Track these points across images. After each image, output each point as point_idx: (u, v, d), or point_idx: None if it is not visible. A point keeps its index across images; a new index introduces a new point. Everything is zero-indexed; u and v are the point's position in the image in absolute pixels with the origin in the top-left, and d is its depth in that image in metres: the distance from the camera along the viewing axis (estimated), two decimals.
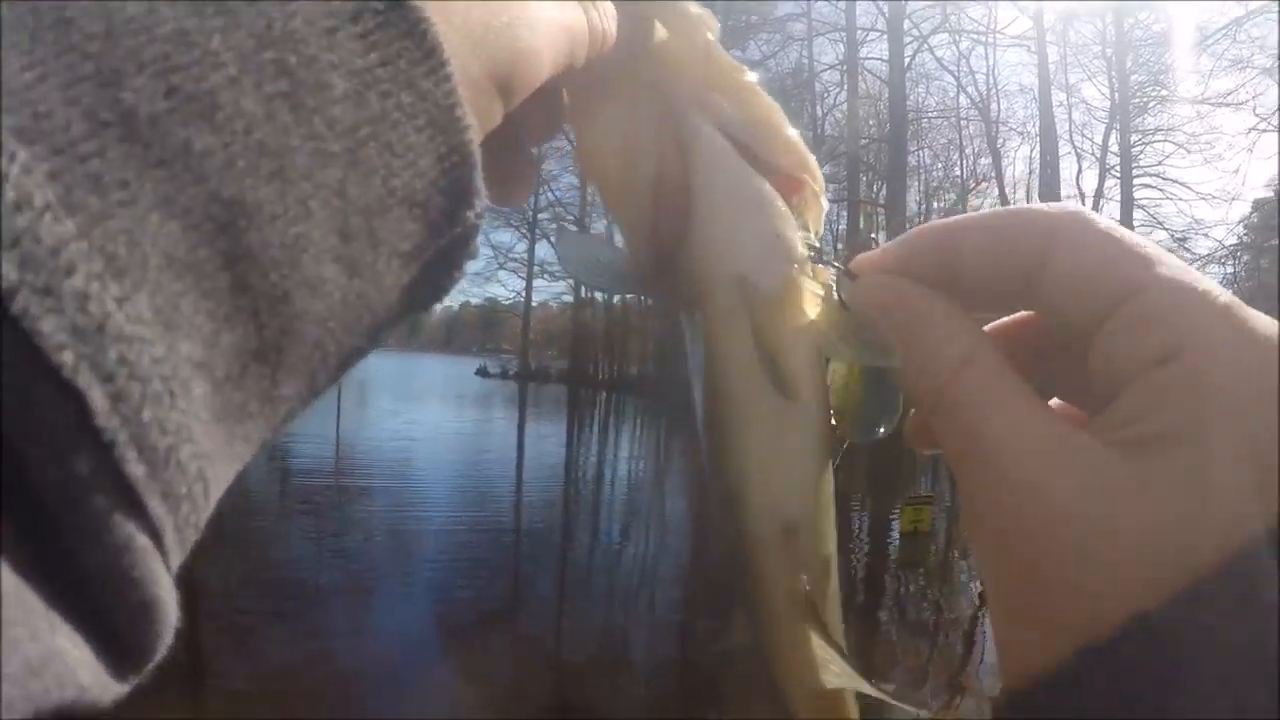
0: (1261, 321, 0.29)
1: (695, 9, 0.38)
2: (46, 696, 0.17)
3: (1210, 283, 0.30)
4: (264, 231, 0.21)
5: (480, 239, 0.27)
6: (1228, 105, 23.20)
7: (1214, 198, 24.28)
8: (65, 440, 0.17)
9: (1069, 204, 0.34)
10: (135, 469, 0.18)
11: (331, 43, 0.22)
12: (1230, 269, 21.31)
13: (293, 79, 0.22)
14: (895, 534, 11.30)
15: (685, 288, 0.37)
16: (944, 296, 0.35)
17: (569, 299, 52.19)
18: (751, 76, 0.39)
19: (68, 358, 0.16)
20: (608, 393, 43.97)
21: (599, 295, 51.25)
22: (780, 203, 0.37)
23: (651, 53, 0.37)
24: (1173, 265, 0.31)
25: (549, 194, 50.06)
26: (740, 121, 0.37)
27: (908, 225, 32.17)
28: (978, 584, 9.37)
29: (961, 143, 33.65)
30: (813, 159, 0.39)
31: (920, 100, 32.25)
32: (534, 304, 54.65)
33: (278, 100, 0.21)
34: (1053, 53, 28.14)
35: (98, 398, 0.17)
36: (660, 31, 0.37)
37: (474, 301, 64.13)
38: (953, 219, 0.36)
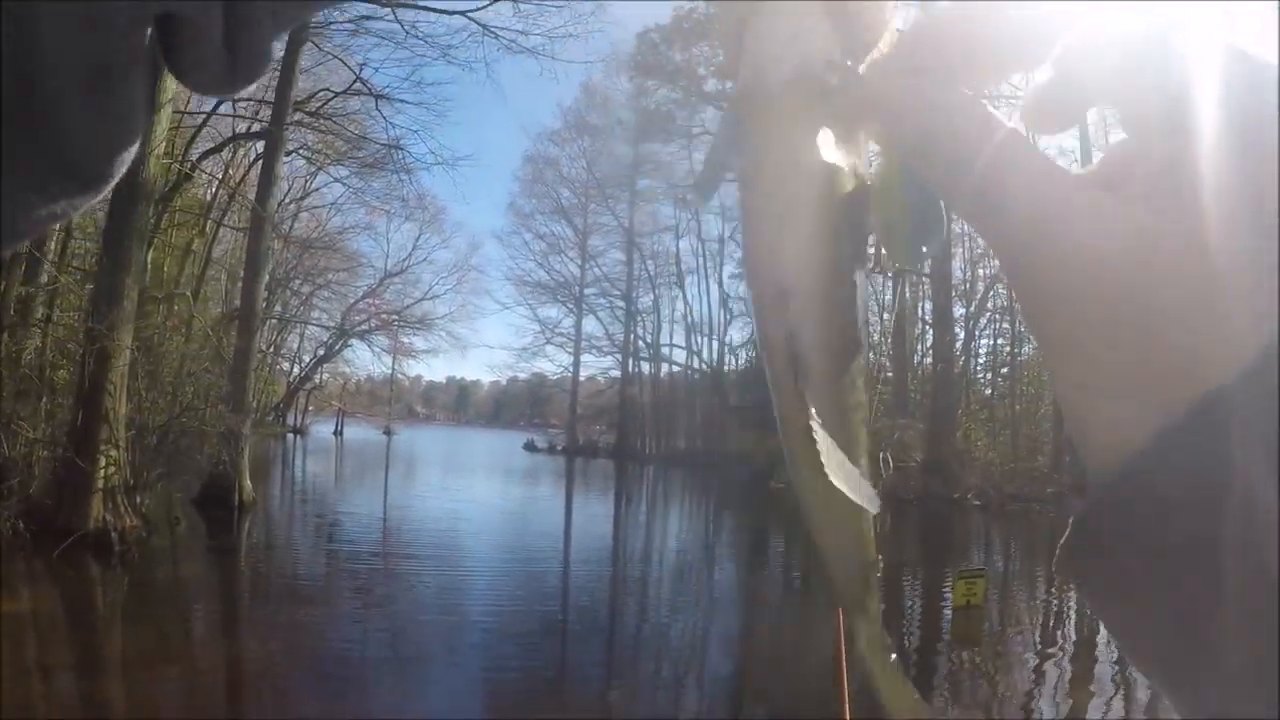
0: None
1: None
2: None
3: None
4: None
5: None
6: None
7: None
8: None
9: None
10: None
11: None
12: None
13: None
14: (948, 607, 11.03)
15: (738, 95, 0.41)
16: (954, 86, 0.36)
17: (616, 374, 52.47)
18: None
19: None
20: (656, 467, 43.76)
21: (646, 367, 51.40)
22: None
23: None
24: None
25: (596, 269, 50.90)
26: None
27: (953, 293, 32.33)
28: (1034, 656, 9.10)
29: None
30: None
31: None
32: (581, 378, 54.98)
33: None
34: (1092, 114, 28.08)
35: None
36: None
37: (521, 376, 64.60)
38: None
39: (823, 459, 0.39)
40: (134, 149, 0.36)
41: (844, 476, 0.40)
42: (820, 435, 0.39)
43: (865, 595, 0.48)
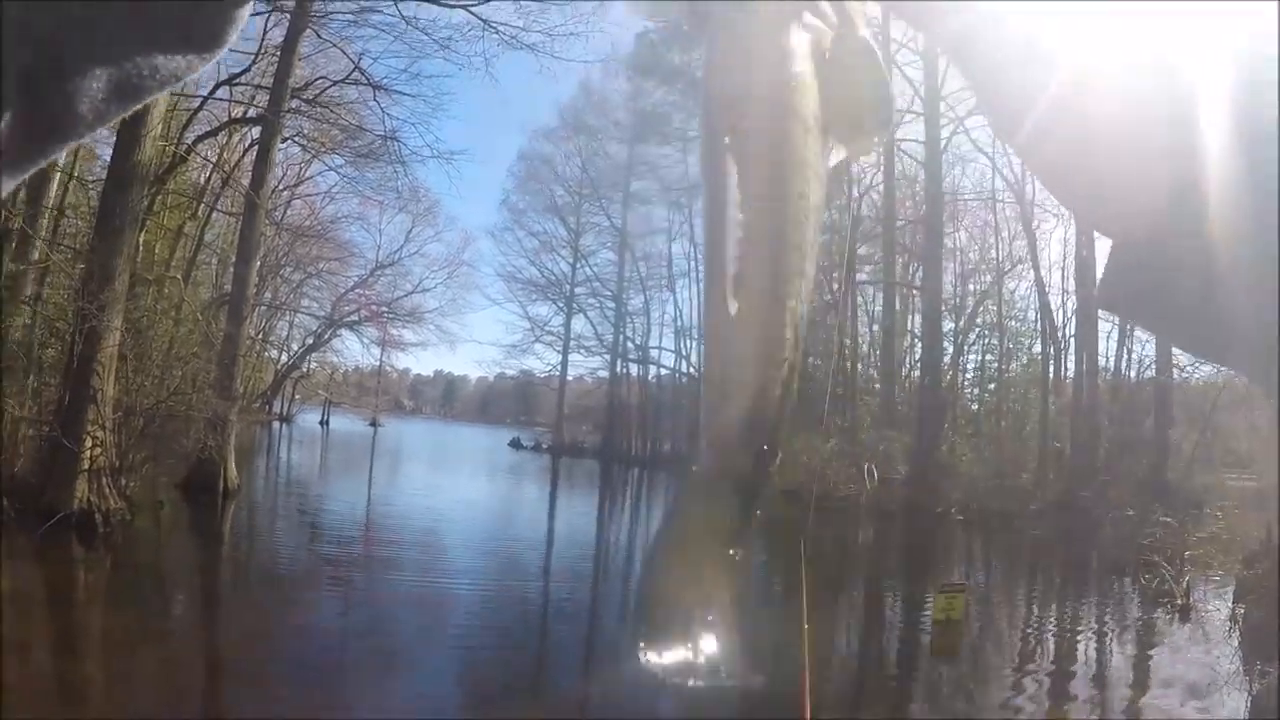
0: None
1: None
2: None
3: None
4: None
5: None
6: None
7: None
8: None
9: None
10: None
11: None
12: None
13: None
14: (928, 621, 11.07)
15: None
16: None
17: (604, 374, 52.36)
18: None
19: None
20: (641, 469, 43.69)
21: (635, 369, 51.38)
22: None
23: None
24: None
25: (586, 269, 50.81)
26: None
27: (944, 308, 32.39)
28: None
29: (997, 224, 33.79)
30: None
31: (956, 182, 32.58)
32: (569, 378, 54.85)
33: None
34: None
35: None
36: None
37: (509, 373, 64.30)
38: None
39: None
40: (247, 9, 0.42)
41: None
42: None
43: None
